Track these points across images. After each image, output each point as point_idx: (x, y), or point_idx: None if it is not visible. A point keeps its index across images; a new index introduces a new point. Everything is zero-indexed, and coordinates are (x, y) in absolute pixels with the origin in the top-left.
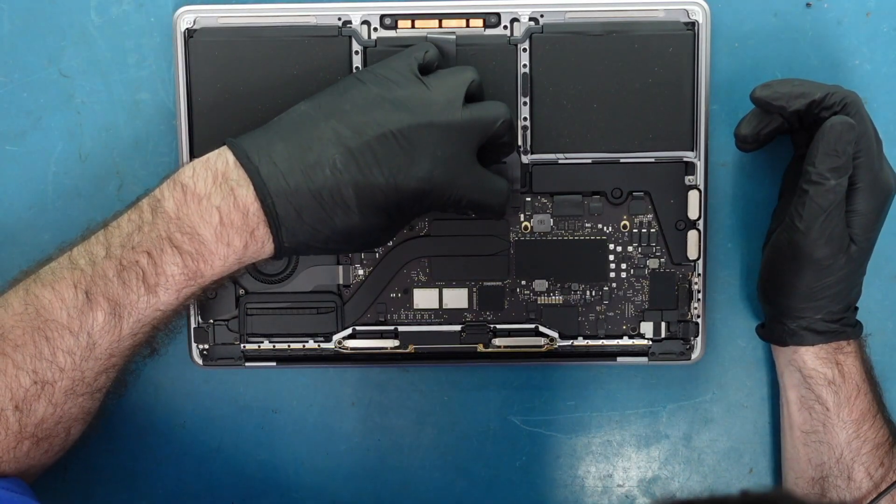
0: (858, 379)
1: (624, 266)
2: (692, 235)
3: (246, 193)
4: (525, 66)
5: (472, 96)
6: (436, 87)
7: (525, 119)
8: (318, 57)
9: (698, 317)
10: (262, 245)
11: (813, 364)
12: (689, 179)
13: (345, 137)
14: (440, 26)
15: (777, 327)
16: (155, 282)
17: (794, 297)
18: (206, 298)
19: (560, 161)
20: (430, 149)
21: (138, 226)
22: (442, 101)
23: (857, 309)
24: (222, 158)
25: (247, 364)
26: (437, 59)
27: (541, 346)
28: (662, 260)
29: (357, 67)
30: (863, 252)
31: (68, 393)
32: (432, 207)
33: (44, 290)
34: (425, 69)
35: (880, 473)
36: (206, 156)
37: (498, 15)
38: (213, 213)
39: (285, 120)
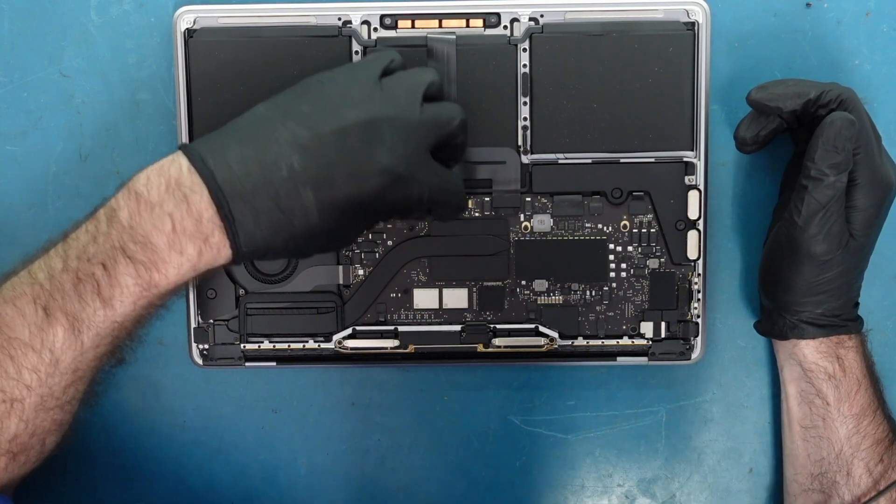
0: (859, 373)
1: (624, 266)
2: (692, 235)
3: (199, 199)
4: (525, 66)
5: (430, 97)
6: (394, 87)
7: (525, 119)
8: (318, 57)
9: (698, 317)
10: (218, 251)
11: (813, 358)
12: (689, 179)
13: (301, 137)
14: (440, 26)
15: (777, 321)
16: (110, 294)
17: (794, 292)
18: (206, 298)
19: (560, 161)
20: (389, 143)
21: (94, 236)
22: (400, 99)
23: (858, 304)
24: (176, 164)
25: (247, 364)
26: (402, 66)
27: (541, 346)
28: (662, 260)
29: None
30: (862, 248)
31: (38, 408)
32: (393, 207)
33: (5, 307)
34: (387, 74)
35: (879, 470)
36: (161, 162)
37: (498, 15)
38: (166, 220)
39: (241, 122)
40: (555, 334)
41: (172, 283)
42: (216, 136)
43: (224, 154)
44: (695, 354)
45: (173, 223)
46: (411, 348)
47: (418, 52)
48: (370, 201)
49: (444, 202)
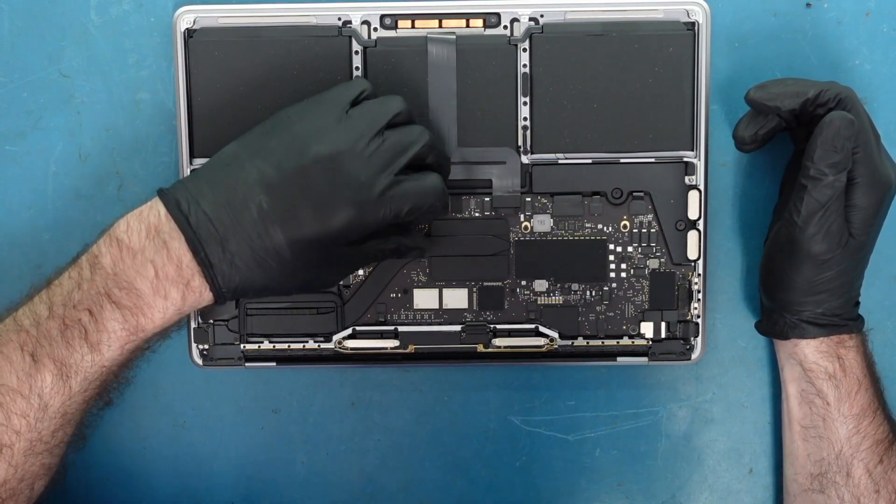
0: (860, 373)
1: (624, 266)
2: (692, 235)
3: (178, 245)
4: (525, 66)
5: (398, 125)
6: (357, 117)
7: (525, 119)
8: (318, 57)
9: (698, 317)
10: (200, 294)
11: (814, 357)
12: (689, 179)
13: (269, 176)
14: (440, 26)
15: (778, 320)
16: (97, 339)
17: (794, 291)
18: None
19: (560, 161)
20: (352, 175)
21: (78, 283)
22: (362, 128)
23: (858, 303)
24: (154, 211)
25: (247, 364)
26: (373, 96)
27: (541, 346)
28: (662, 260)
29: (357, 67)
30: (862, 247)
31: (27, 453)
32: (371, 229)
33: None
34: (357, 104)
35: (879, 471)
36: (140, 208)
37: (498, 15)
38: (148, 266)
39: (214, 163)
40: (555, 334)
41: (158, 327)
42: (191, 178)
43: (197, 197)
44: (695, 354)
45: (156, 270)
46: (411, 348)
47: (418, 52)
48: (341, 233)
49: (428, 208)
